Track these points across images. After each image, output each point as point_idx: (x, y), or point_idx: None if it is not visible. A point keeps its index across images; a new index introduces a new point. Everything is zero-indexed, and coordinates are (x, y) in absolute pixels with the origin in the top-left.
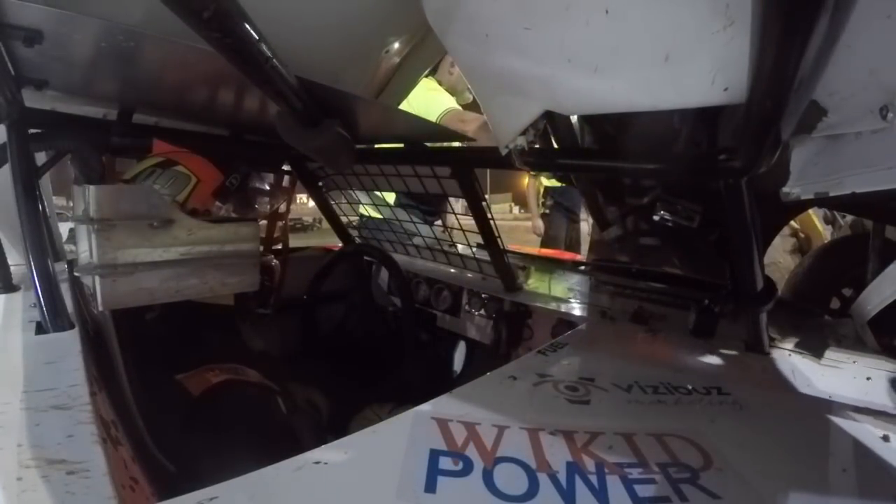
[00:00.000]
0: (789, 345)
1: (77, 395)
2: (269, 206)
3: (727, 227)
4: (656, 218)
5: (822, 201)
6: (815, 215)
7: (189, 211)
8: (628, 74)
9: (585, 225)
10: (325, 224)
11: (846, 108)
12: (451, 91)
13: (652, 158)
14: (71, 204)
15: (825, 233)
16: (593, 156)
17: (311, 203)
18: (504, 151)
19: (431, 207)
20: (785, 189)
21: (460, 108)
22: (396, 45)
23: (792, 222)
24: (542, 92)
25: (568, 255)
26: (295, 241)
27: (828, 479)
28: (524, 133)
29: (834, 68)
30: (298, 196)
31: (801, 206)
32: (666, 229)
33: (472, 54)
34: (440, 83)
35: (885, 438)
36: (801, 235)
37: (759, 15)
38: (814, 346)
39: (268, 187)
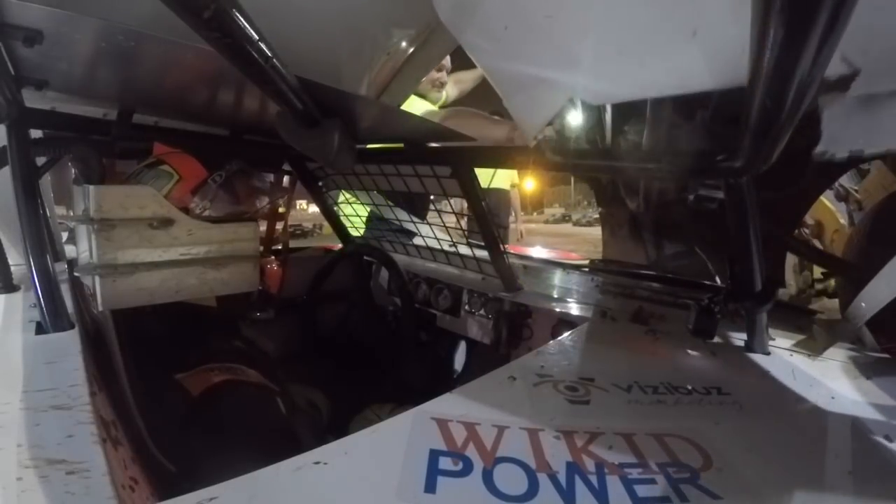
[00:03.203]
0: (789, 345)
1: (77, 395)
2: (259, 204)
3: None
4: (691, 197)
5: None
6: (823, 197)
7: None
8: (654, 55)
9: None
10: (325, 230)
11: (879, 67)
12: (421, 95)
13: (651, 158)
14: (71, 213)
15: (838, 212)
16: (591, 156)
17: (311, 209)
18: (532, 143)
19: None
20: (818, 150)
21: (436, 108)
22: (399, 46)
23: None
24: (567, 81)
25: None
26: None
27: (828, 480)
28: (551, 123)
29: (865, 28)
30: (298, 202)
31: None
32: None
33: (492, 48)
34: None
35: (888, 438)
36: (811, 222)
37: (758, 12)
38: (814, 346)
39: (259, 185)
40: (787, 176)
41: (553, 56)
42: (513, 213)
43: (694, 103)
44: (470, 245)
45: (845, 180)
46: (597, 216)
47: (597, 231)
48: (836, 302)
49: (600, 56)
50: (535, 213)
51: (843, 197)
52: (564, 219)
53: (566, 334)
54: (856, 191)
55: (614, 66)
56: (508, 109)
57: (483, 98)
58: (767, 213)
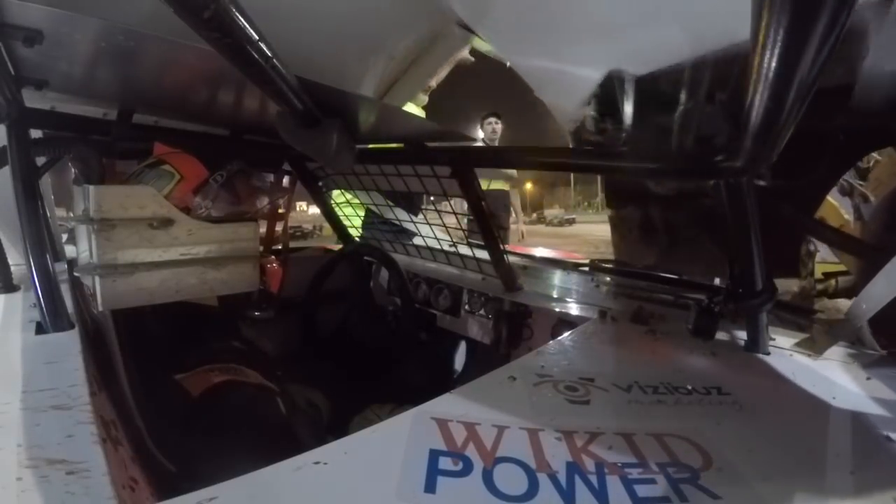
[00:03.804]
0: (789, 345)
1: (77, 395)
2: (259, 204)
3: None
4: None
5: None
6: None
7: None
8: (688, 15)
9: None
10: (325, 231)
11: None
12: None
13: (650, 158)
14: (71, 213)
15: (842, 208)
16: (588, 156)
17: (311, 210)
18: (572, 127)
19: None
20: (866, 65)
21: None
22: (403, 50)
23: None
24: (602, 55)
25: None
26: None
27: (829, 480)
28: (588, 103)
29: None
30: (298, 204)
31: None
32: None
33: (517, 35)
34: None
35: (889, 438)
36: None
37: (758, 15)
38: (814, 346)
39: (259, 185)
40: (805, 163)
41: (588, 29)
42: (514, 214)
43: (713, 85)
44: (470, 245)
45: (846, 175)
46: (568, 218)
47: (566, 230)
48: (836, 302)
49: (635, 25)
50: (535, 215)
51: (847, 192)
52: (539, 220)
53: (566, 334)
54: (861, 185)
55: (650, 33)
56: (542, 98)
57: (481, 99)
58: (787, 200)
